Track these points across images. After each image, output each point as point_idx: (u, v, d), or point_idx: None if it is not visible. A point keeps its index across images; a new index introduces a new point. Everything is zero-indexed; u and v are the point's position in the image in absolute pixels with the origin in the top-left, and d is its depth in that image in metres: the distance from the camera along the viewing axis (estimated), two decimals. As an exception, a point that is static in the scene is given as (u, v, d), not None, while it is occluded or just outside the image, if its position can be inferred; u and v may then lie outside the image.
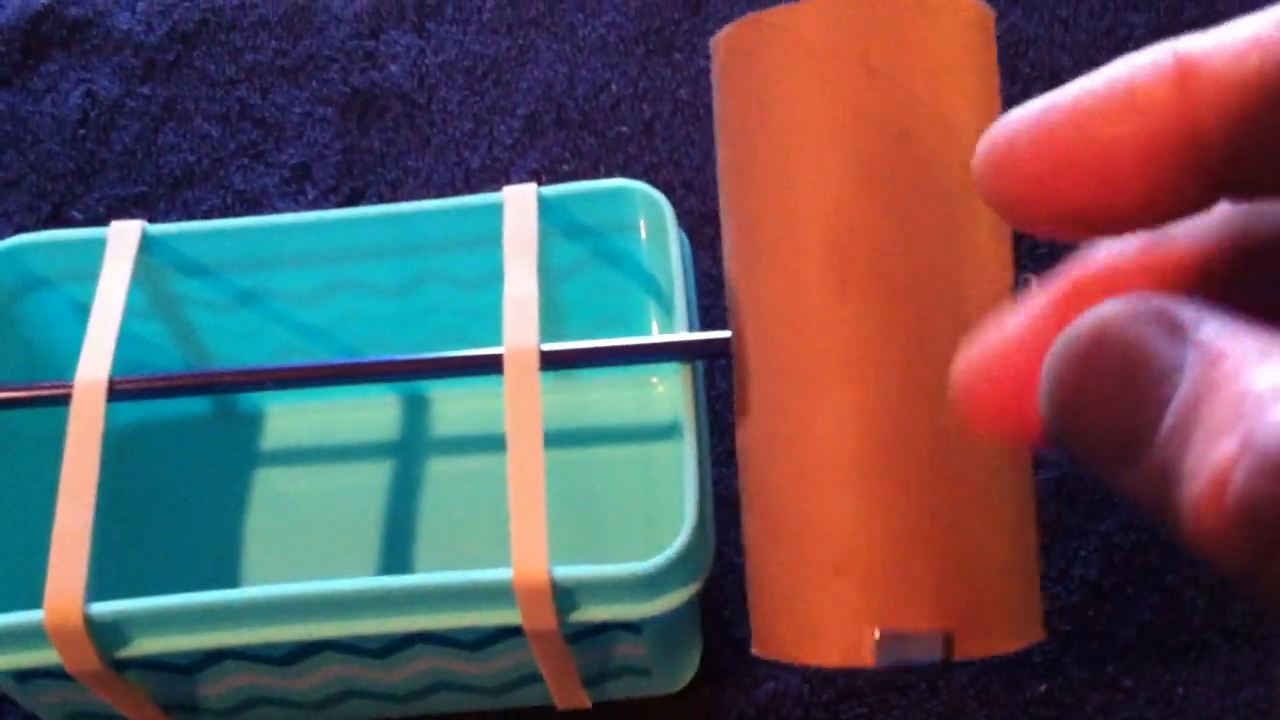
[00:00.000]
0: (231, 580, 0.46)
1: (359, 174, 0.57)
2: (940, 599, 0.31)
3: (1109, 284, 0.16)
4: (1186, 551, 0.13)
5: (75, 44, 0.63)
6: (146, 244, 0.44)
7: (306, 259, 0.45)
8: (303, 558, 0.47)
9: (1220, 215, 0.16)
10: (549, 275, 0.43)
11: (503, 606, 0.36)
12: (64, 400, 0.39)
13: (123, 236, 0.43)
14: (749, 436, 0.34)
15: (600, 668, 0.41)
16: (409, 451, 0.49)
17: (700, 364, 0.41)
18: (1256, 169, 0.15)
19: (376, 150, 0.57)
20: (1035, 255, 0.49)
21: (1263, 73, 0.14)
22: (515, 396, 0.38)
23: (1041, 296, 0.17)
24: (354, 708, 0.42)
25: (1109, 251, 0.17)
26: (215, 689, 0.40)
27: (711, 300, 0.50)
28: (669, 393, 0.49)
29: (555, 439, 0.46)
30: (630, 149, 0.56)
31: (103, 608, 0.36)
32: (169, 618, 0.36)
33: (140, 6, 0.64)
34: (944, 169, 0.30)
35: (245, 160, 0.58)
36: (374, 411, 0.50)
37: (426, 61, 0.60)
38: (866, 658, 0.30)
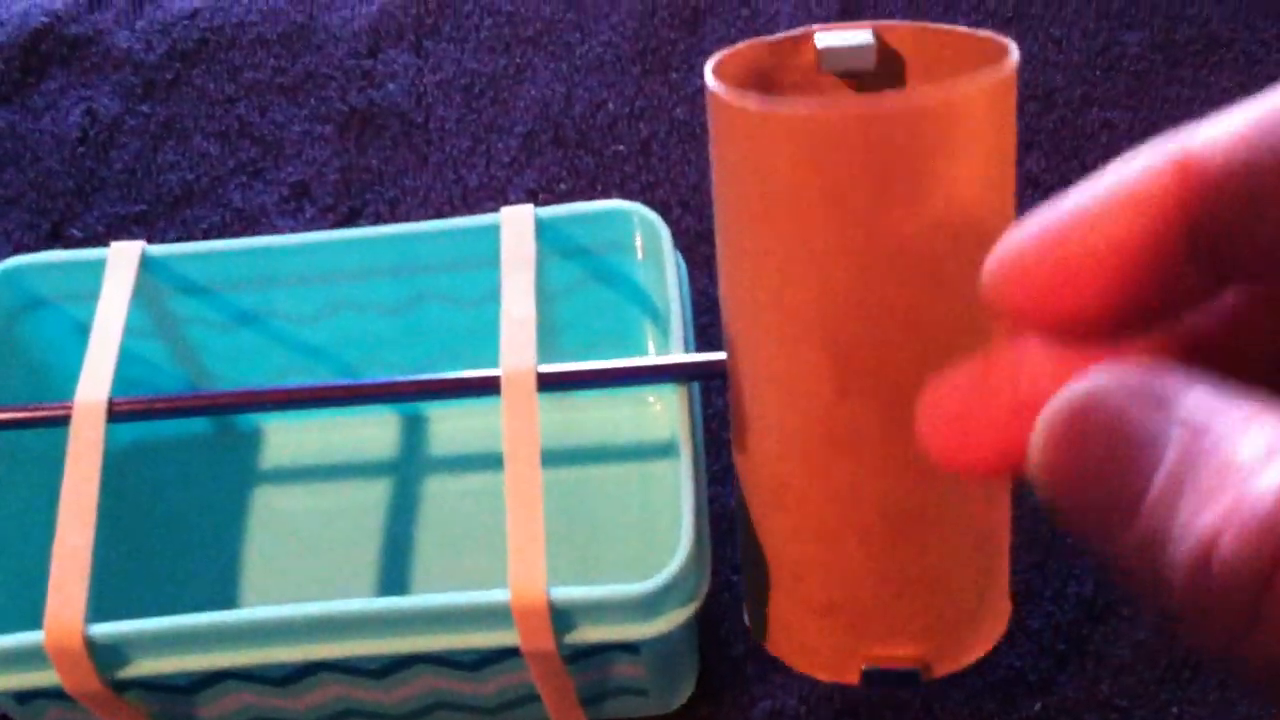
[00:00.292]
0: (230, 597, 0.46)
1: (357, 192, 0.57)
2: (919, 635, 0.34)
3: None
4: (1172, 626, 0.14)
5: (75, 62, 0.63)
6: (146, 264, 0.44)
7: (306, 279, 0.46)
8: (301, 575, 0.47)
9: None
10: (545, 295, 0.44)
11: (500, 628, 0.36)
12: (64, 421, 0.39)
13: (123, 257, 0.44)
14: (748, 477, 0.36)
15: (598, 688, 0.41)
16: (407, 469, 0.49)
17: (697, 384, 0.41)
18: (1257, 256, 0.15)
19: (375, 168, 0.58)
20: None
21: (1249, 164, 0.14)
22: (513, 419, 0.38)
23: (1002, 339, 0.17)
24: (352, 727, 0.42)
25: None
26: (215, 709, 0.40)
27: (708, 319, 0.50)
28: (665, 410, 0.49)
29: (551, 457, 0.46)
30: (627, 168, 0.56)
31: (103, 629, 0.36)
32: (169, 639, 0.36)
33: (140, 25, 0.64)
34: (954, 265, 0.29)
35: (244, 178, 0.58)
36: (372, 429, 0.50)
37: (424, 80, 0.61)
38: (852, 681, 0.35)
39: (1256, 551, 0.12)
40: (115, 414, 0.40)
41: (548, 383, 0.39)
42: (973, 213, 0.29)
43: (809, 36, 0.31)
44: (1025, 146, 0.55)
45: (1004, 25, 0.59)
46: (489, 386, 0.39)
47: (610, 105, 0.59)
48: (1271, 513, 0.12)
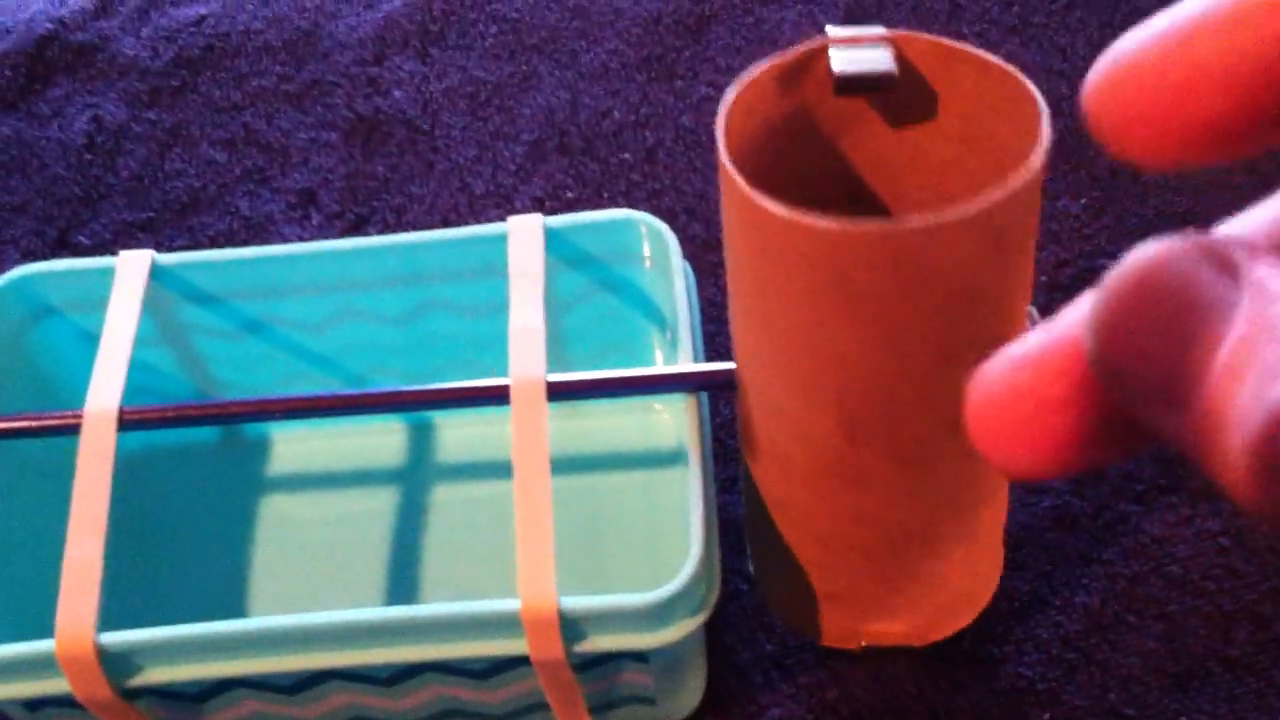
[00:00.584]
0: (239, 605, 0.47)
1: (363, 199, 0.57)
2: (913, 616, 0.39)
3: None
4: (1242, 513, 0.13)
5: (81, 69, 0.63)
6: (155, 273, 0.44)
7: (313, 288, 0.46)
8: (310, 583, 0.47)
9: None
10: (553, 304, 0.44)
11: (510, 637, 0.36)
12: (74, 430, 0.40)
13: (131, 266, 0.44)
14: (757, 483, 0.37)
15: (606, 696, 0.41)
16: (415, 477, 0.49)
17: (705, 393, 0.41)
18: None
19: (381, 176, 0.58)
20: (1057, 283, 0.50)
21: None
22: (522, 428, 0.38)
23: (1043, 332, 0.16)
24: (361, 735, 0.42)
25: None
26: (225, 717, 0.41)
27: (716, 327, 0.50)
28: (673, 419, 0.49)
29: (559, 465, 0.46)
30: (633, 175, 0.57)
31: (114, 637, 0.36)
32: (179, 647, 0.36)
33: (146, 32, 0.64)
34: (969, 330, 0.29)
35: (251, 185, 0.58)
36: (380, 438, 0.50)
37: (430, 87, 0.61)
38: (853, 648, 0.42)
39: None
40: (125, 423, 0.40)
41: (557, 392, 0.39)
42: (990, 290, 0.28)
43: (823, 51, 0.30)
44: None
45: (1008, 34, 0.59)
46: (498, 395, 0.39)
47: (616, 113, 0.59)
48: None
